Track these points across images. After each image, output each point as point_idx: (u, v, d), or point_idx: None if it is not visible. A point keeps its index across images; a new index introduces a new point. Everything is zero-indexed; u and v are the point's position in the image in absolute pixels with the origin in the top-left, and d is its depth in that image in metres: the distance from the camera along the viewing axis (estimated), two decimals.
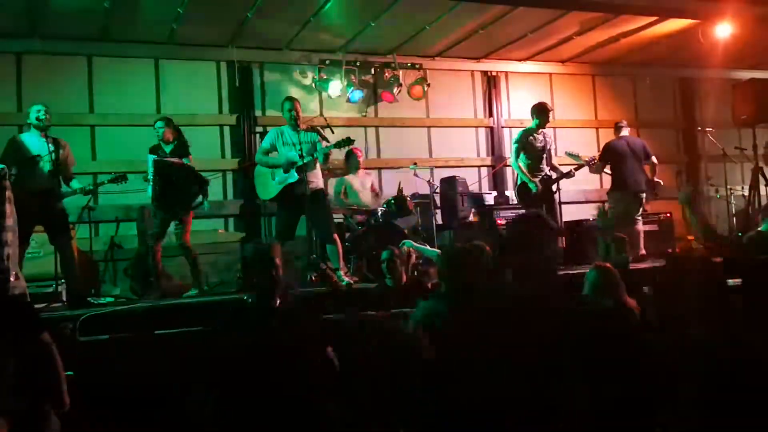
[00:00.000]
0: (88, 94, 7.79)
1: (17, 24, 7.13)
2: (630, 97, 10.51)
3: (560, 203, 7.27)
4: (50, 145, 5.64)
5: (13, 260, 3.58)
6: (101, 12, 6.89)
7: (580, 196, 9.53)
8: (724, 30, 7.94)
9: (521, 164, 7.14)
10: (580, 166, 7.23)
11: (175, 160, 6.08)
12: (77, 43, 7.64)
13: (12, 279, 3.45)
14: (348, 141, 6.12)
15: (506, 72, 9.76)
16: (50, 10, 6.80)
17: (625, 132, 7.64)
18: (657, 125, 10.48)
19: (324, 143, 6.17)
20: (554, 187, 7.20)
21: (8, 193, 3.59)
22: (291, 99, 6.31)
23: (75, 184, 5.78)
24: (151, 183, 6.03)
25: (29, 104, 5.89)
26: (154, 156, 6.08)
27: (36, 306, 4.68)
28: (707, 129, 8.77)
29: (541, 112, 7.22)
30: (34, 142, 5.66)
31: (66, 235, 5.72)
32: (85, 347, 4.35)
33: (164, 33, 7.63)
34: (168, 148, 6.15)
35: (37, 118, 5.61)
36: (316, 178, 6.26)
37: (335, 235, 6.20)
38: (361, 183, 7.71)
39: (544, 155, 7.21)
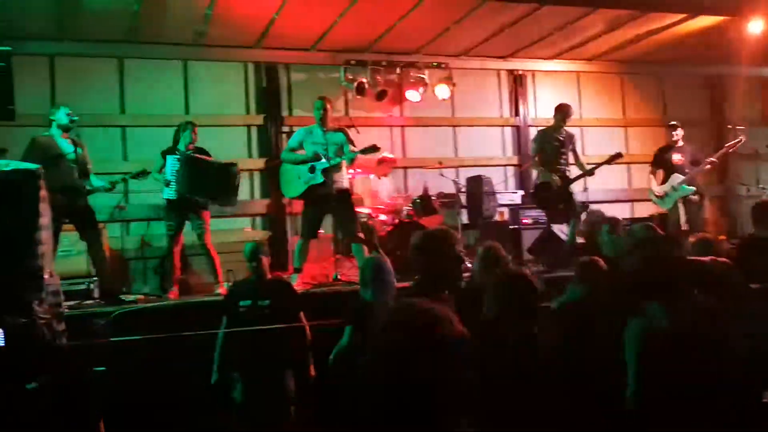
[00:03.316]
0: (119, 96, 7.92)
1: (50, 27, 7.26)
2: (659, 96, 10.38)
3: (587, 202, 7.18)
4: (71, 144, 5.82)
5: (48, 258, 3.67)
6: (131, 14, 7.00)
7: (609, 195, 9.45)
8: (755, 26, 7.80)
9: (539, 162, 7.09)
10: (598, 165, 7.05)
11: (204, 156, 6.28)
12: (108, 45, 7.76)
13: (46, 276, 3.55)
14: (374, 149, 6.13)
15: (532, 71, 9.70)
16: (81, 12, 6.92)
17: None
18: (686, 124, 10.30)
19: (351, 147, 6.19)
20: (575, 187, 7.11)
21: (43, 193, 3.68)
22: (322, 98, 6.31)
23: (96, 182, 5.94)
24: (173, 181, 6.12)
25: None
26: (176, 155, 6.17)
27: (67, 303, 4.81)
28: (737, 127, 8.61)
29: (559, 112, 7.15)
30: (58, 141, 5.81)
31: (95, 231, 5.90)
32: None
33: (192, 34, 7.73)
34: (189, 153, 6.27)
35: (71, 121, 5.77)
36: (342, 179, 6.29)
37: (361, 234, 6.23)
38: (383, 185, 7.87)
39: (563, 155, 7.11)
